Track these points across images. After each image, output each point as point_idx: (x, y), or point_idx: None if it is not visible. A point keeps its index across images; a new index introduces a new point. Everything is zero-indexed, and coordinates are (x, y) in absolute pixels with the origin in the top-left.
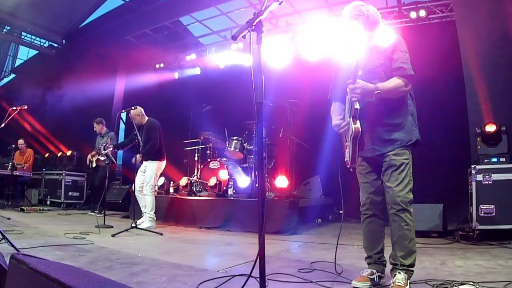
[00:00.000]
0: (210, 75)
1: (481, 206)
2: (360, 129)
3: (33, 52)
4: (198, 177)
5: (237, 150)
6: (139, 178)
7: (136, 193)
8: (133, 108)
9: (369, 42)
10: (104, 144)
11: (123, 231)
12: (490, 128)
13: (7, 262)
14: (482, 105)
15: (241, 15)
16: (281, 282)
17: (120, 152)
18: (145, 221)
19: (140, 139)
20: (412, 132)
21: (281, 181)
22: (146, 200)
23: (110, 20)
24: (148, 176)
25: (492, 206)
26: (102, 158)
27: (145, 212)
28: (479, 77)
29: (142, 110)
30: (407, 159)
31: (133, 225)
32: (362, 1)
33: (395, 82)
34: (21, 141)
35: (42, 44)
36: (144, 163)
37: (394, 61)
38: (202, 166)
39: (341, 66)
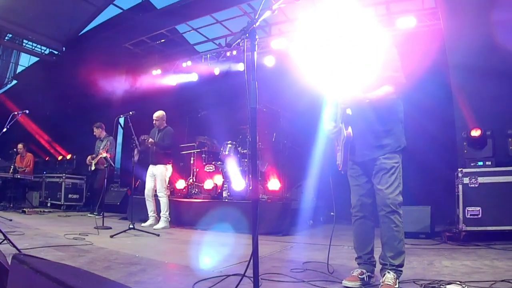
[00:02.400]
0: (206, 81)
1: (467, 208)
2: (351, 134)
3: (34, 59)
4: (194, 180)
5: (231, 154)
6: (149, 184)
7: (146, 197)
8: (131, 113)
9: (362, 50)
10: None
11: (121, 232)
12: (475, 133)
13: (9, 262)
14: (468, 111)
15: (236, 23)
16: (274, 281)
17: (118, 156)
18: (161, 222)
19: (137, 143)
20: (401, 139)
21: (274, 184)
22: (161, 202)
23: (108, 28)
24: (160, 180)
25: (478, 208)
26: (104, 155)
27: (153, 216)
28: (466, 84)
29: (165, 114)
30: (397, 163)
31: (131, 226)
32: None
33: (385, 90)
34: (20, 146)
35: (43, 51)
36: (152, 168)
37: (386, 70)
38: (197, 170)
39: (333, 71)
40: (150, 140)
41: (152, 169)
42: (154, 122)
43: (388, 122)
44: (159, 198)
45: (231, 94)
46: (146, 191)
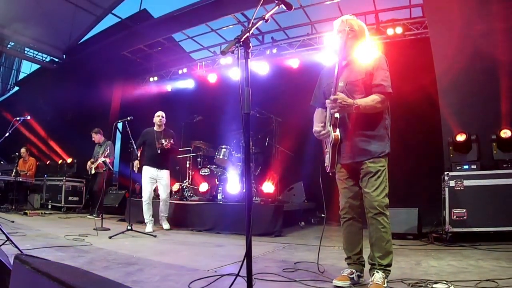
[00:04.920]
0: (201, 87)
1: (453, 210)
2: (339, 137)
3: (35, 66)
4: (190, 183)
5: (225, 157)
6: (150, 188)
7: (147, 201)
8: (129, 118)
9: (354, 55)
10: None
11: (120, 233)
12: (461, 137)
13: (11, 263)
14: (454, 116)
15: (230, 32)
16: (267, 281)
17: (116, 160)
18: (166, 222)
19: (135, 147)
20: (386, 145)
21: (267, 187)
22: (167, 205)
23: (107, 37)
24: (166, 184)
25: (464, 210)
26: (102, 159)
27: (152, 220)
28: (452, 90)
29: None
30: (383, 166)
31: (129, 227)
32: (350, 15)
33: (373, 98)
34: (23, 150)
35: (44, 59)
36: (156, 172)
37: (375, 78)
38: (193, 173)
39: (324, 74)
40: (171, 142)
41: (155, 172)
42: (159, 119)
43: (376, 127)
44: (167, 203)
45: (225, 100)
46: (148, 195)
